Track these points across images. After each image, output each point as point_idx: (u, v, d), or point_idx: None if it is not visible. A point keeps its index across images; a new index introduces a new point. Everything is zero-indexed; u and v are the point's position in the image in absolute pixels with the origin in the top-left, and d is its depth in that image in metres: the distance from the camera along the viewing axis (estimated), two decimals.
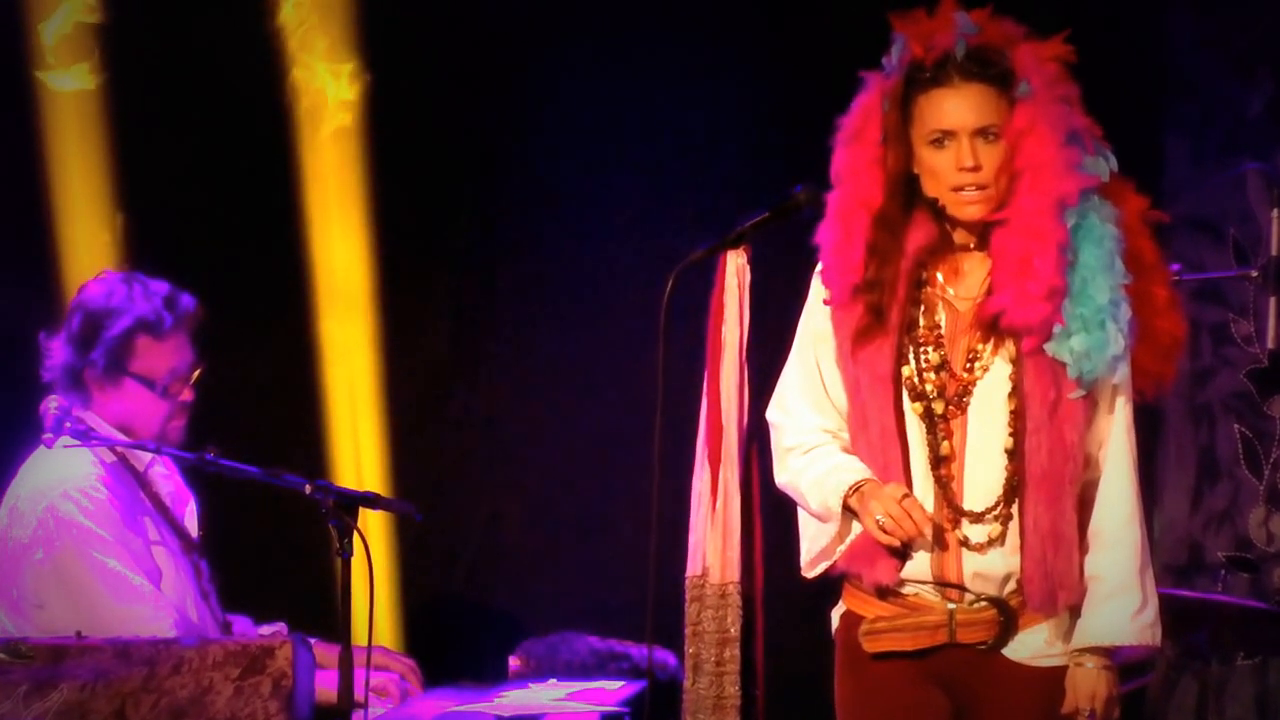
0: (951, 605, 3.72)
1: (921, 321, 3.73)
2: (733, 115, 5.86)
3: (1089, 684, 3.69)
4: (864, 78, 3.77)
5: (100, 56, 5.75)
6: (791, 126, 5.34)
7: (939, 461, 3.70)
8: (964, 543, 3.69)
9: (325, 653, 4.36)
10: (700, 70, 5.87)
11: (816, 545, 3.80)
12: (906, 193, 3.72)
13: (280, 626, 4.78)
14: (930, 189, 3.71)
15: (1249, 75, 5.84)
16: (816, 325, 3.81)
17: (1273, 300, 5.30)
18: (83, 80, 5.72)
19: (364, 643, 4.00)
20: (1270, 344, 5.34)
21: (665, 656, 4.70)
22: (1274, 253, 5.30)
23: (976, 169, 3.66)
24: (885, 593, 3.74)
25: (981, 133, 3.66)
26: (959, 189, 3.67)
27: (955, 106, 3.66)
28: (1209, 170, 5.84)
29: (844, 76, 3.82)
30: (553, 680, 4.81)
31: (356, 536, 4.03)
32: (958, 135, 3.66)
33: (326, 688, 4.12)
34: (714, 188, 5.78)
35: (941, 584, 3.71)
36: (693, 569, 3.98)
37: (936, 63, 3.67)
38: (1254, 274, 5.38)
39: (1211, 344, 5.84)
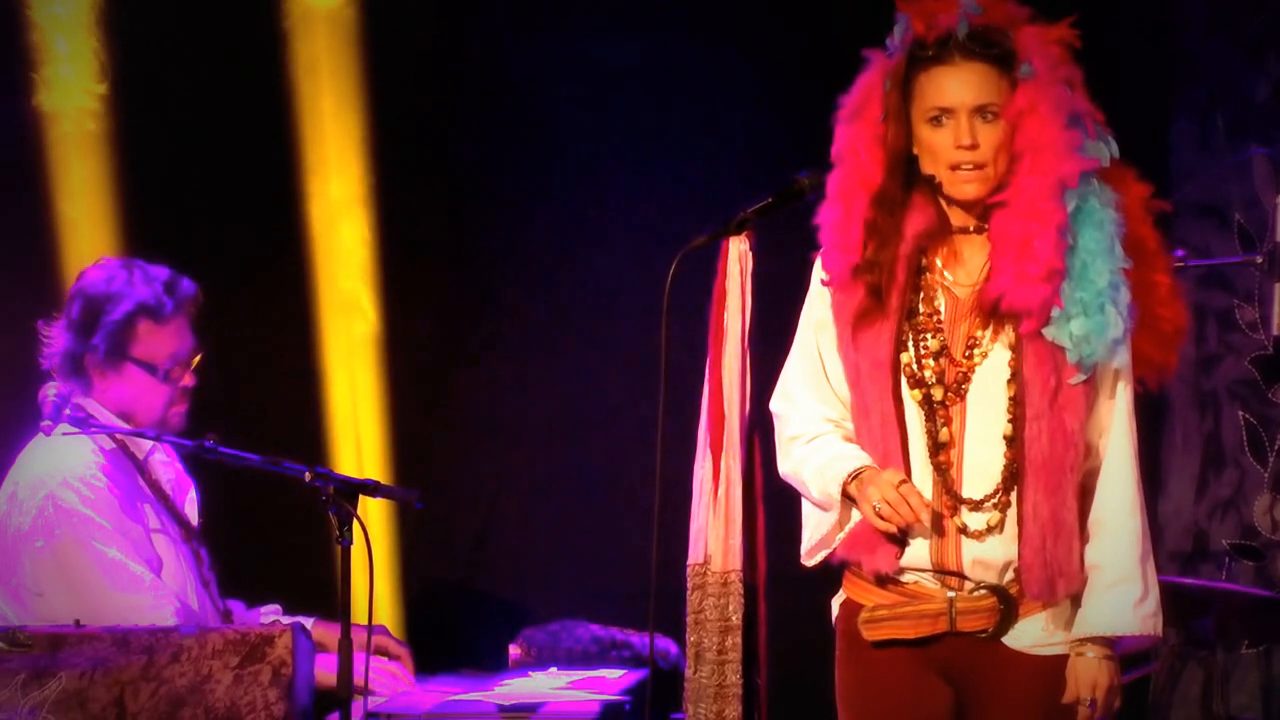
0: (951, 593, 3.70)
1: (921, 308, 3.72)
2: (737, 98, 5.85)
3: (1090, 673, 3.67)
4: (867, 56, 3.76)
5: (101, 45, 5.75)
6: (796, 111, 5.32)
7: (938, 449, 3.69)
8: (963, 530, 3.68)
9: (327, 632, 4.35)
10: (704, 51, 5.86)
11: (817, 534, 3.79)
12: (906, 173, 3.71)
13: (275, 608, 4.78)
14: (928, 167, 3.70)
15: (1256, 59, 5.83)
16: (817, 314, 3.80)
17: (1277, 286, 5.28)
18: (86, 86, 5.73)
19: (363, 630, 3.99)
20: (1275, 330, 5.33)
21: (667, 645, 4.69)
22: (1279, 239, 5.29)
23: (974, 147, 3.65)
24: (885, 581, 3.74)
25: (980, 111, 3.65)
26: (956, 167, 3.67)
27: (954, 84, 3.65)
28: (1216, 155, 5.82)
29: (849, 60, 3.81)
30: (554, 668, 4.81)
31: (356, 524, 4.03)
32: (956, 113, 3.65)
33: (327, 671, 4.11)
34: (716, 172, 5.76)
35: (941, 572, 3.70)
36: (694, 557, 3.97)
37: (938, 41, 3.67)
38: (1259, 260, 5.37)
39: (1217, 330, 5.83)
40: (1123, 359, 3.69)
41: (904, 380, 3.71)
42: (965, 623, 3.70)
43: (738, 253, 3.95)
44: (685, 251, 3.90)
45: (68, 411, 4.49)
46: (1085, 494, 3.69)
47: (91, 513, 4.44)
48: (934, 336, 3.72)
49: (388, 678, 4.63)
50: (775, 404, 3.87)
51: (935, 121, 3.67)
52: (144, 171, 5.75)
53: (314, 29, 5.85)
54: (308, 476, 4.09)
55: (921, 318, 3.73)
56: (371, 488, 4.19)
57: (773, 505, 3.97)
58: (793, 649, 4.34)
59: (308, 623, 4.55)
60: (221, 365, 4.85)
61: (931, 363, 3.71)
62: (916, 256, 3.72)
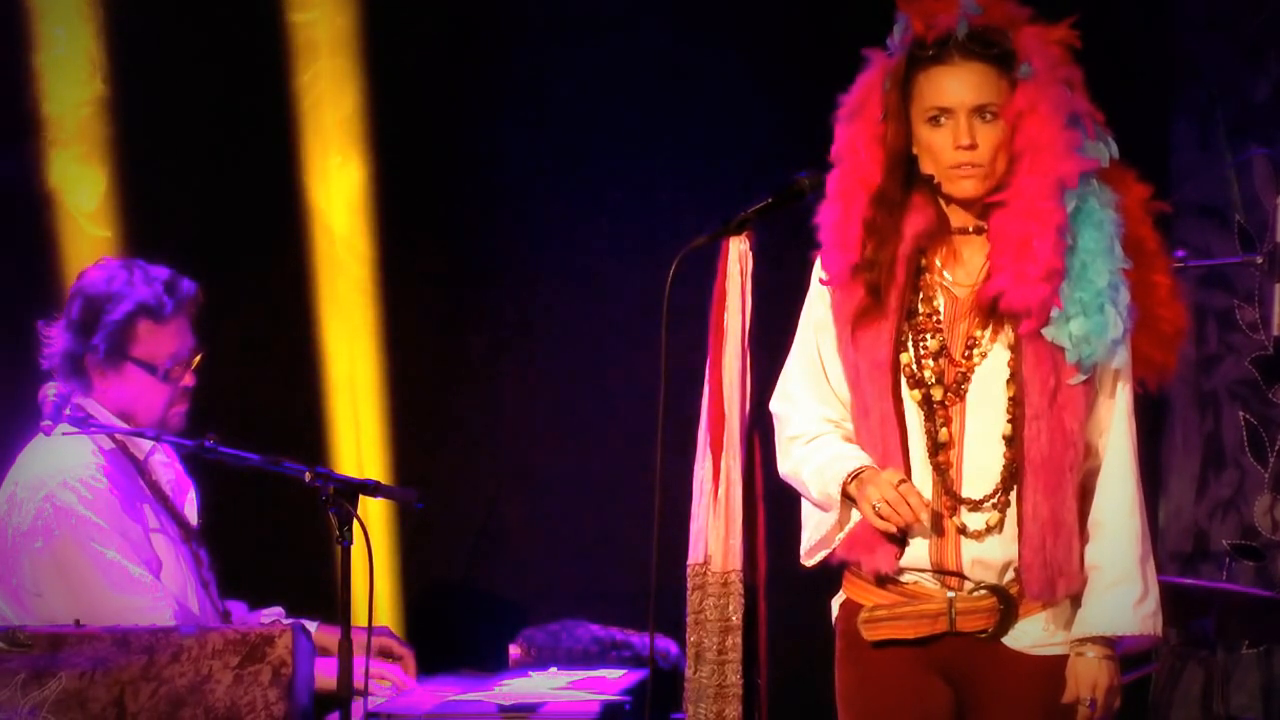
0: (951, 593, 3.70)
1: (920, 308, 3.72)
2: (737, 98, 5.85)
3: (1090, 673, 3.67)
4: (867, 56, 3.76)
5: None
6: (796, 111, 5.32)
7: (937, 449, 3.69)
8: (962, 530, 3.68)
9: (330, 636, 4.35)
10: (705, 51, 5.86)
11: (818, 534, 3.79)
12: (906, 172, 3.71)
13: (277, 610, 4.78)
14: (927, 167, 3.70)
15: (1257, 59, 5.83)
16: (817, 315, 3.80)
17: (1277, 287, 5.29)
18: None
19: (363, 629, 3.99)
20: (1275, 330, 5.33)
21: (667, 645, 4.69)
22: (1279, 239, 5.29)
23: (973, 147, 3.65)
24: (884, 581, 3.73)
25: (979, 111, 3.65)
26: (955, 166, 3.66)
27: (953, 84, 3.65)
28: (1216, 155, 5.82)
29: (849, 60, 3.81)
30: (554, 669, 4.81)
31: (356, 524, 4.03)
32: (955, 113, 3.65)
33: (328, 675, 4.11)
34: (716, 172, 5.76)
35: (940, 572, 3.70)
36: (694, 557, 3.97)
37: (938, 41, 3.67)
38: (1259, 260, 5.37)
39: (1218, 330, 5.83)
40: (1122, 359, 3.69)
41: (903, 380, 3.71)
42: (965, 623, 3.70)
43: (738, 253, 3.95)
44: (685, 251, 3.90)
45: (68, 411, 4.49)
46: (1085, 494, 3.69)
47: (90, 514, 4.43)
48: (933, 337, 3.72)
49: (392, 672, 4.64)
50: (775, 404, 3.87)
51: (934, 121, 3.67)
52: (144, 171, 5.75)
53: (315, 27, 5.85)
54: (308, 476, 4.09)
55: (921, 318, 3.73)
56: (371, 488, 4.19)
57: (773, 505, 3.96)
58: (793, 649, 4.34)
59: (311, 626, 4.55)
60: (222, 365, 4.85)
61: (931, 363, 3.71)
62: (916, 256, 3.72)
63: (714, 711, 3.92)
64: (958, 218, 3.73)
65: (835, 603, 3.85)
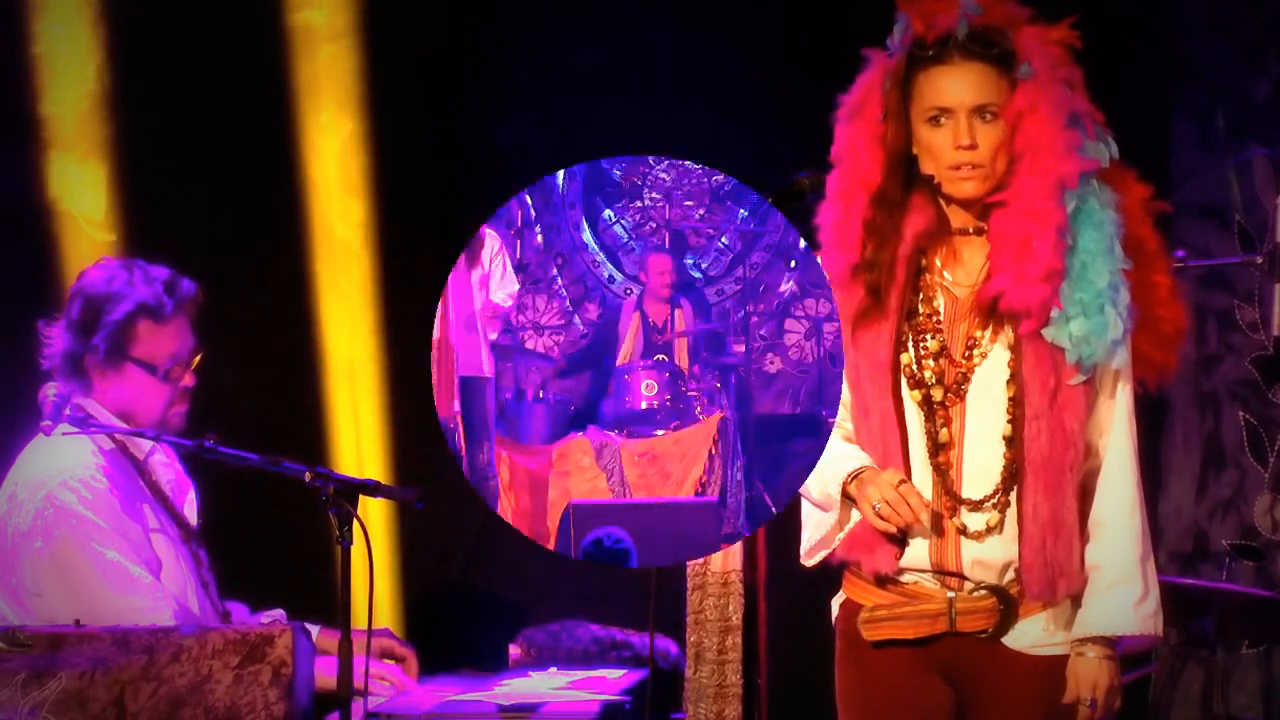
0: (951, 594, 3.70)
1: (920, 308, 3.73)
2: (737, 98, 5.85)
3: (1090, 673, 3.68)
4: (867, 56, 3.76)
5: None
6: (796, 110, 5.33)
7: (938, 449, 3.69)
8: (962, 531, 3.68)
9: (331, 640, 4.35)
10: (704, 51, 5.86)
11: (818, 534, 3.79)
12: (906, 172, 3.71)
13: (278, 613, 4.78)
14: (927, 167, 3.70)
15: (1256, 59, 5.83)
16: None
17: (1277, 287, 5.29)
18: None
19: (363, 630, 3.99)
20: (1275, 330, 5.34)
21: (667, 645, 4.69)
22: (1279, 239, 5.29)
23: (973, 147, 3.65)
24: (884, 581, 3.74)
25: (979, 111, 3.65)
26: (955, 167, 3.66)
27: (953, 84, 3.66)
28: (1216, 155, 5.83)
29: (849, 60, 3.81)
30: (554, 669, 4.80)
31: (356, 524, 4.02)
32: (955, 113, 3.66)
33: (328, 675, 4.11)
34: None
35: (940, 572, 3.70)
36: None
37: (938, 41, 3.67)
38: (1259, 260, 5.37)
39: (1217, 330, 5.83)
40: (1122, 359, 3.69)
41: (904, 380, 3.71)
42: (965, 623, 3.70)
43: None
44: None
45: (68, 411, 4.48)
46: (1085, 494, 3.70)
47: (90, 514, 4.43)
48: (933, 337, 3.72)
49: (392, 672, 4.64)
50: None
51: (934, 121, 3.68)
52: (144, 171, 5.76)
53: (316, 27, 5.86)
54: (308, 476, 4.09)
55: (921, 318, 3.73)
56: (371, 488, 4.19)
57: None
58: (793, 649, 4.34)
59: (314, 629, 4.55)
60: (221, 365, 4.85)
61: (931, 363, 3.71)
62: (916, 257, 3.72)
63: (714, 711, 3.93)
64: (958, 218, 3.74)
65: (835, 603, 3.85)
